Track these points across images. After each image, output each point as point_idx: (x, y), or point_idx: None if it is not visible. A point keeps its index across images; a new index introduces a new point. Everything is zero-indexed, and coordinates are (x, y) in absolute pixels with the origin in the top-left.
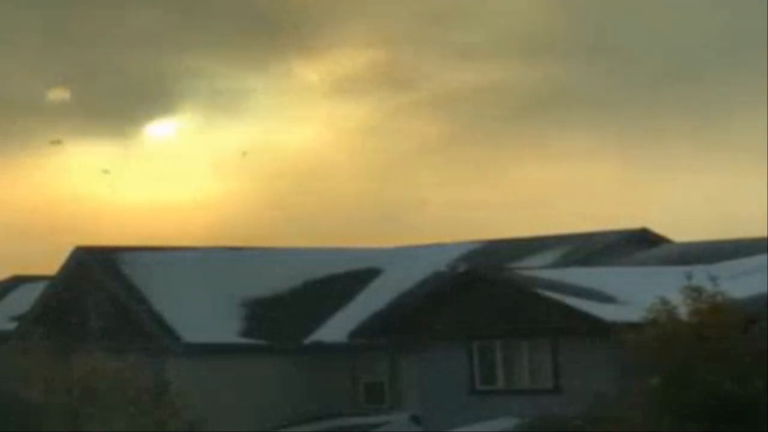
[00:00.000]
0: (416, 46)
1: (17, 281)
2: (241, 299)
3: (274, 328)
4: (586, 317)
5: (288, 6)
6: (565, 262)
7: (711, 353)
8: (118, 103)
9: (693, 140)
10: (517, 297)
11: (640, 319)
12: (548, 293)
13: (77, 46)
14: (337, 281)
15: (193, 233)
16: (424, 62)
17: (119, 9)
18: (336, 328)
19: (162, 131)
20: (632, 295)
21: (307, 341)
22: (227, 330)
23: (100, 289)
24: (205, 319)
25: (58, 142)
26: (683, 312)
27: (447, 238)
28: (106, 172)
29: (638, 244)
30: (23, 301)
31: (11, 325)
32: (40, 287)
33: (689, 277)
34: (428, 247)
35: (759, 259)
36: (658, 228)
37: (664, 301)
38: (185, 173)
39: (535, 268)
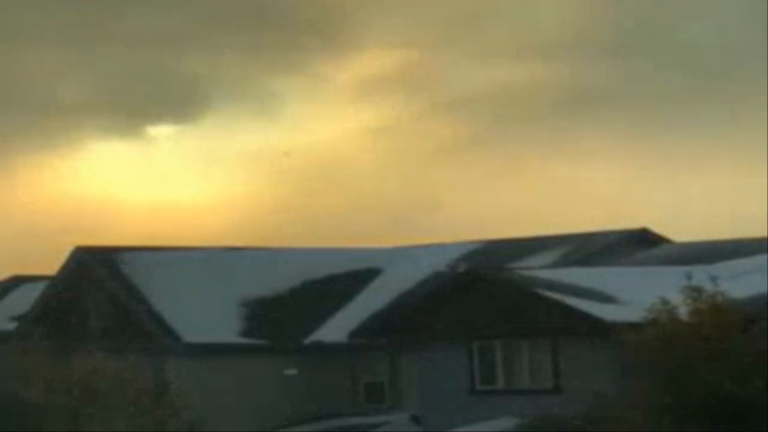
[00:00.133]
0: (439, 47)
1: (17, 281)
2: (241, 299)
3: (274, 328)
4: (586, 317)
5: (312, 8)
6: (565, 262)
7: (711, 353)
8: (140, 104)
9: (693, 140)
10: (517, 297)
11: (640, 319)
12: (548, 293)
13: (103, 47)
14: (337, 281)
15: (208, 234)
16: (448, 64)
17: (146, 10)
18: (336, 328)
19: (182, 133)
20: (632, 295)
21: (307, 341)
22: (227, 330)
23: (100, 289)
24: (205, 319)
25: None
26: (683, 312)
27: (447, 238)
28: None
29: (638, 244)
30: (23, 301)
31: (11, 325)
32: (40, 287)
33: (689, 277)
34: (428, 247)
35: (759, 259)
36: (658, 228)
37: (664, 301)
38: (202, 174)
39: (535, 268)
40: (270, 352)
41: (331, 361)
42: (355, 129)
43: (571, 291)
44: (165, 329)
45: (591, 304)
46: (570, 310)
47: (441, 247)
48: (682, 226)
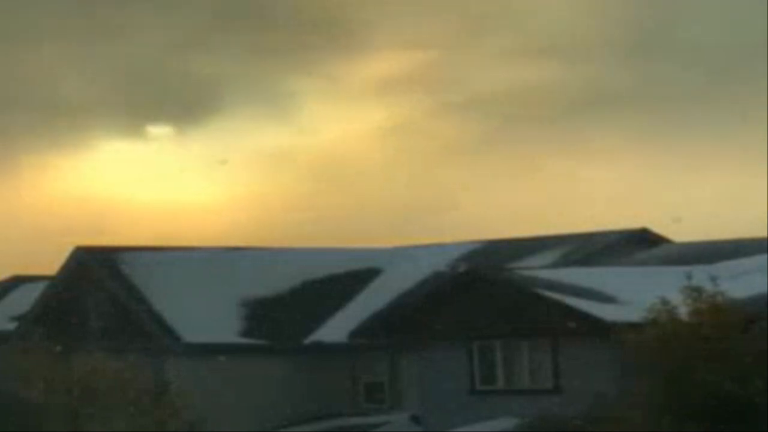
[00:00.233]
0: (451, 48)
1: (17, 281)
2: (241, 299)
3: (274, 328)
4: (586, 317)
5: (322, 9)
6: (565, 262)
7: (711, 353)
8: (146, 105)
9: (693, 140)
10: (517, 297)
11: (640, 319)
12: (548, 293)
13: (112, 48)
14: (337, 281)
15: (214, 235)
16: (459, 64)
17: (156, 11)
18: (336, 328)
19: (189, 134)
20: (632, 295)
21: (307, 341)
22: (227, 330)
23: (100, 289)
24: (205, 319)
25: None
26: (683, 312)
27: (454, 239)
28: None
29: (638, 244)
30: (23, 301)
31: (11, 325)
32: (40, 287)
33: (689, 277)
34: (428, 247)
35: (759, 259)
36: (658, 228)
37: (664, 301)
38: (208, 175)
39: (535, 268)
40: (270, 352)
41: (331, 361)
42: (365, 129)
43: (571, 291)
44: (165, 329)
45: (591, 304)
46: (570, 310)
47: (441, 247)
48: (682, 226)
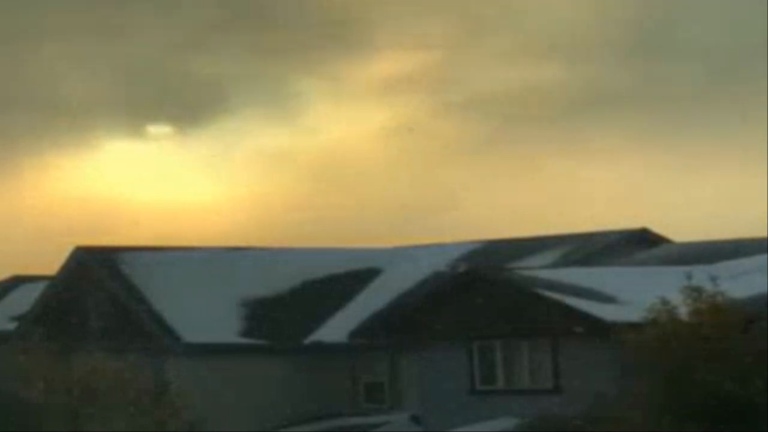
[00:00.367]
0: (454, 49)
1: (17, 281)
2: (241, 299)
3: (274, 328)
4: (586, 317)
5: (327, 10)
6: (565, 262)
7: (711, 353)
8: (150, 105)
9: (693, 140)
10: (517, 297)
11: (640, 319)
12: (548, 293)
13: (119, 47)
14: (337, 281)
15: (217, 235)
16: (462, 65)
17: (162, 10)
18: (336, 328)
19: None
20: (632, 295)
21: (307, 341)
22: (227, 330)
23: (100, 289)
24: (205, 319)
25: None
26: (683, 312)
27: (454, 239)
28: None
29: (638, 244)
30: (23, 301)
31: (11, 325)
32: (40, 287)
33: (689, 277)
34: (428, 247)
35: (759, 259)
36: (658, 228)
37: (664, 301)
38: (212, 175)
39: (535, 268)
40: (270, 352)
41: (331, 361)
42: (367, 129)
43: (571, 291)
44: (165, 329)
45: (591, 304)
46: (570, 310)
47: (441, 247)
48: (682, 226)
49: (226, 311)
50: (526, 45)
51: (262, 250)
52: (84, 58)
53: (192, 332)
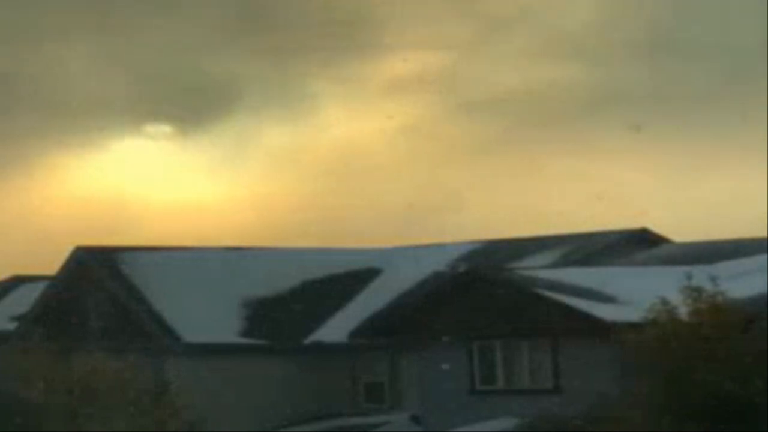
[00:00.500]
0: (465, 50)
1: (17, 281)
2: (241, 299)
3: (274, 328)
4: (586, 317)
5: (339, 10)
6: (565, 262)
7: (711, 353)
8: (158, 105)
9: (694, 140)
10: (517, 297)
11: (640, 319)
12: (548, 293)
13: (126, 47)
14: (337, 281)
15: (223, 234)
16: (474, 66)
17: (169, 10)
18: (336, 328)
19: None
20: (632, 295)
21: (307, 341)
22: (227, 330)
23: (100, 289)
24: (205, 319)
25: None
26: (683, 312)
27: (447, 238)
28: None
29: (638, 244)
30: (23, 301)
31: (11, 325)
32: (40, 287)
33: (689, 277)
34: (428, 247)
35: (759, 259)
36: (658, 228)
37: (664, 301)
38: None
39: (535, 268)
40: (270, 352)
41: (331, 361)
42: (377, 129)
43: (571, 291)
44: (165, 329)
45: (591, 304)
46: (570, 310)
47: (441, 247)
48: (682, 226)
49: (226, 311)
50: (538, 45)
51: (263, 250)
52: (90, 57)
53: (192, 332)
